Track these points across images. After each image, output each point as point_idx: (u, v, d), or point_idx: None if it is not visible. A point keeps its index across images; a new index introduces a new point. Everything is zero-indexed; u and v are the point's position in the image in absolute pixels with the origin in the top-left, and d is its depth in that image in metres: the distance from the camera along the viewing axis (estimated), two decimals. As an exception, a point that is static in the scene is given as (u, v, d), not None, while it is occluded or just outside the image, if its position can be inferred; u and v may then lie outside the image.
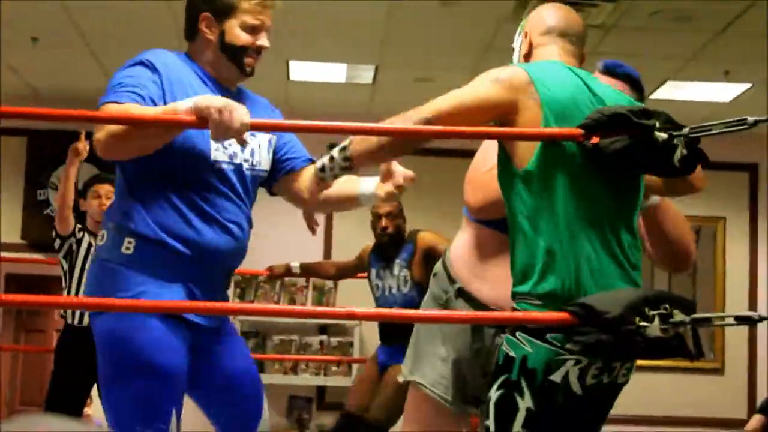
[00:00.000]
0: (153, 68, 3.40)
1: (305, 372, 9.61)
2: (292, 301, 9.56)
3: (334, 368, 9.62)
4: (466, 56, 8.24)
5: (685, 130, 2.93)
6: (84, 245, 6.35)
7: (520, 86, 2.99)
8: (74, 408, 6.25)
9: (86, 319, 6.12)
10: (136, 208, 3.35)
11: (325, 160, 3.32)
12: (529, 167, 2.93)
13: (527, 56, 3.30)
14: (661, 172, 3.05)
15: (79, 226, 6.42)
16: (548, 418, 2.84)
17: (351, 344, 9.63)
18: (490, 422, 2.86)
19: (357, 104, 9.53)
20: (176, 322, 3.32)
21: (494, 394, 2.87)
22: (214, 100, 3.06)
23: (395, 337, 6.27)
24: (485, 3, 7.11)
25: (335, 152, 3.26)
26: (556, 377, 2.81)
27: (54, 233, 6.37)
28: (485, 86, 3.07)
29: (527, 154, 2.94)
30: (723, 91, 8.95)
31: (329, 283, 9.65)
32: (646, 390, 9.56)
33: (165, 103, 3.28)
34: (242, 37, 3.52)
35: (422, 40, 7.96)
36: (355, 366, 9.42)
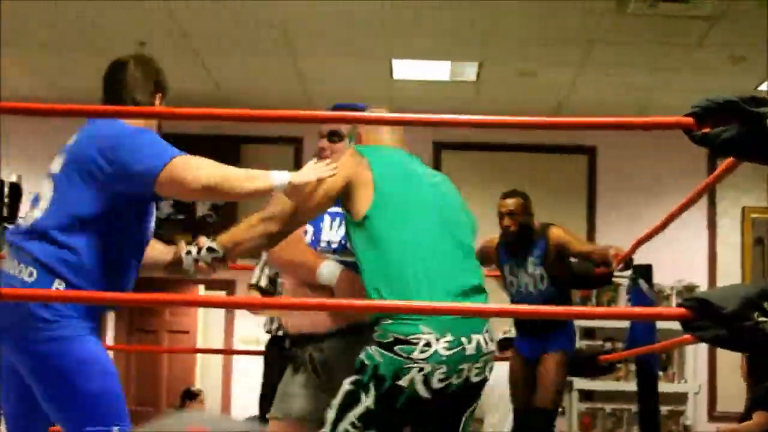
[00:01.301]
0: None
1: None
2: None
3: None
4: (570, 50, 8.17)
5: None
6: None
7: None
8: None
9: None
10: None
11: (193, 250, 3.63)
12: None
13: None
14: None
15: None
16: (382, 416, 3.31)
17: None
18: (334, 405, 3.36)
19: (461, 101, 9.50)
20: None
21: (346, 386, 3.35)
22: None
23: (535, 328, 6.31)
24: (589, -4, 7.06)
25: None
26: (403, 382, 3.27)
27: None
28: None
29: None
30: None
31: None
32: None
33: None
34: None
35: (525, 35, 7.91)
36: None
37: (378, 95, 9.43)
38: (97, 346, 3.57)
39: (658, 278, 6.55)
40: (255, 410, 7.30)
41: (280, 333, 6.25)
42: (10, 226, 8.64)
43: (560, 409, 7.06)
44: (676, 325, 3.07)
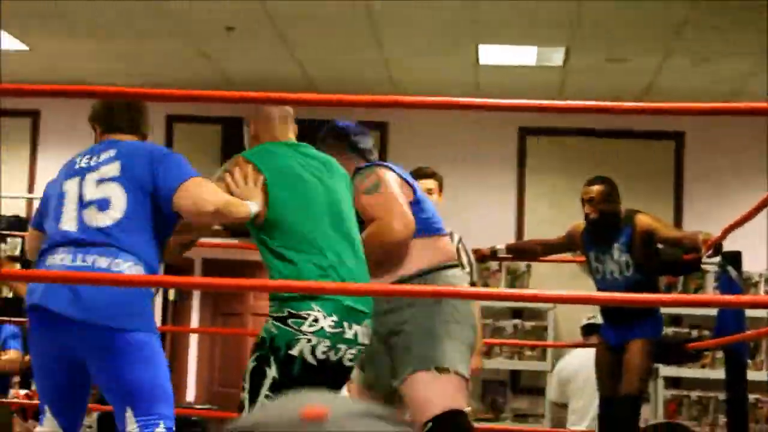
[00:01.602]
0: None
1: (499, 356, 9.60)
2: (486, 286, 9.54)
3: (528, 352, 9.59)
4: (659, 36, 8.08)
5: None
6: None
7: None
8: None
9: None
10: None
11: None
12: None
13: None
14: None
15: None
16: (287, 384, 3.81)
17: (545, 329, 9.58)
18: (245, 388, 3.87)
19: (547, 87, 9.45)
20: None
21: (250, 364, 3.89)
22: None
23: (621, 316, 6.28)
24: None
25: None
26: (295, 352, 3.85)
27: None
28: None
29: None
30: None
31: (522, 267, 9.62)
32: None
33: None
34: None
35: (614, 20, 7.84)
36: (549, 350, 9.37)
37: (463, 80, 9.43)
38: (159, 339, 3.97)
39: (746, 265, 6.48)
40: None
41: None
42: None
43: (645, 396, 7.02)
44: (763, 313, 3.06)
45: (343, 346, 3.94)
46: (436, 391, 4.22)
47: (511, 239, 9.57)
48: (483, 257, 6.90)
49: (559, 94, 9.60)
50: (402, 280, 4.29)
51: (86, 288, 3.73)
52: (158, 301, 9.99)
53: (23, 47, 9.06)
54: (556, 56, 8.79)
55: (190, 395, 11.34)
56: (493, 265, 9.48)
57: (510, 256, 7.02)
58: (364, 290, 3.86)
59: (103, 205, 3.89)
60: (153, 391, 3.85)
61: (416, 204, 4.40)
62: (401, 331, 4.30)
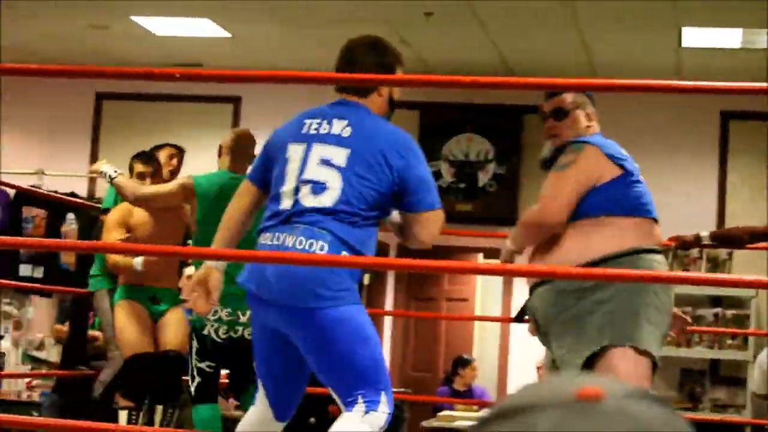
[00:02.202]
0: None
1: (698, 345, 9.40)
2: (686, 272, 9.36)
3: (729, 341, 9.36)
4: None
5: None
6: None
7: None
8: None
9: None
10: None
11: None
12: None
13: None
14: None
15: None
16: (204, 351, 5.61)
17: (747, 317, 9.33)
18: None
19: (753, 70, 9.18)
20: None
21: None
22: None
23: None
24: None
25: None
26: (205, 332, 5.58)
27: None
28: None
29: None
30: None
31: (723, 254, 9.40)
32: None
33: None
34: (398, 93, 4.34)
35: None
36: (751, 339, 9.13)
37: (664, 64, 9.25)
38: (364, 313, 3.93)
39: None
40: (530, 379, 7.35)
41: None
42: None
43: None
44: None
45: (240, 328, 5.53)
46: (628, 369, 4.13)
47: (712, 227, 9.35)
48: (685, 244, 6.74)
49: (765, 77, 9.32)
50: (603, 260, 4.19)
51: (283, 268, 3.75)
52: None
53: (226, 34, 9.27)
54: (761, 38, 8.54)
55: (385, 378, 11.45)
56: (694, 252, 9.28)
57: (713, 243, 6.84)
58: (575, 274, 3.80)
59: (317, 189, 3.87)
60: (362, 367, 3.82)
61: (621, 181, 4.25)
62: (600, 307, 4.19)
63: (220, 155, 5.86)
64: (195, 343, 5.62)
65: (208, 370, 5.67)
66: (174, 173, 6.71)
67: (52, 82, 10.48)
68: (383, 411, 3.81)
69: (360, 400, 3.79)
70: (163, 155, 6.76)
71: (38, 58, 9.96)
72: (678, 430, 0.82)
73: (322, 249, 3.80)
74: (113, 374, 6.31)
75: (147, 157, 6.63)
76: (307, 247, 3.79)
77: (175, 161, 6.76)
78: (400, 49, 8.98)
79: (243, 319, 5.49)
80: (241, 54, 9.66)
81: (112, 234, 6.17)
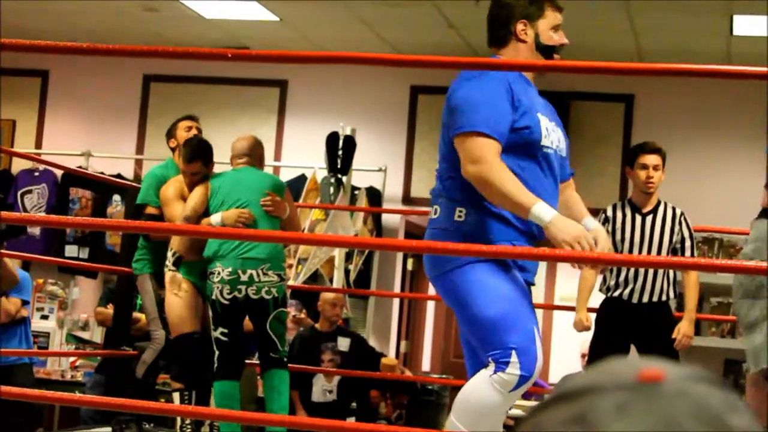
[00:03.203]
0: (507, 87, 3.84)
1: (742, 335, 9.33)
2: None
3: (775, 332, 9.28)
4: None
5: None
6: None
7: None
8: None
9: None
10: (467, 184, 3.79)
11: None
12: None
13: None
14: None
15: None
16: (217, 314, 5.91)
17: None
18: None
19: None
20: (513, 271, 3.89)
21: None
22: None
23: None
24: None
25: None
26: (213, 296, 5.92)
27: None
28: None
29: None
30: None
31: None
32: None
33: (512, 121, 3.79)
34: (554, 38, 4.09)
35: None
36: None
37: (715, 50, 9.16)
38: (493, 271, 3.78)
39: None
40: (573, 369, 7.29)
41: (617, 293, 6.21)
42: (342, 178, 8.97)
43: None
44: None
45: (242, 287, 5.87)
46: None
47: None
48: None
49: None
50: None
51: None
52: (398, 269, 10.12)
53: (274, 18, 9.27)
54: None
55: (426, 365, 11.47)
56: (741, 241, 9.20)
57: None
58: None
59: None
60: (486, 328, 3.76)
61: None
62: None
63: (232, 162, 6.37)
64: (210, 312, 6.00)
65: (223, 338, 5.91)
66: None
67: (100, 65, 10.54)
68: (512, 372, 3.69)
69: (490, 360, 3.73)
70: (181, 127, 6.72)
71: (87, 38, 10.01)
72: (738, 413, 0.81)
73: (435, 213, 3.89)
74: (155, 354, 6.33)
75: (167, 135, 6.74)
76: (432, 215, 3.92)
77: (194, 131, 6.68)
78: (446, 32, 9.03)
79: (244, 277, 5.86)
80: (288, 37, 9.66)
81: (174, 205, 6.21)
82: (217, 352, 5.93)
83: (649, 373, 0.80)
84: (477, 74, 3.83)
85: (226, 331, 5.91)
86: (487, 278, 3.75)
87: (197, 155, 6.21)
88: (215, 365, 5.92)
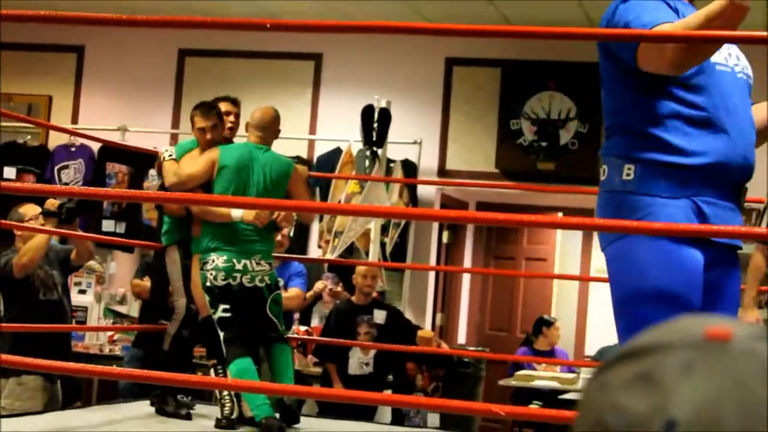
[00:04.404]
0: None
1: (782, 308, 9.28)
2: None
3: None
4: None
5: None
6: None
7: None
8: None
9: None
10: (632, 137, 3.33)
11: None
12: None
13: None
14: None
15: None
16: (213, 296, 6.00)
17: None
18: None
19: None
20: (689, 243, 3.24)
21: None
22: None
23: None
24: None
25: None
26: (208, 282, 5.99)
27: None
28: None
29: None
30: None
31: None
32: None
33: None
34: None
35: None
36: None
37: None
38: (658, 243, 3.24)
39: None
40: (609, 341, 7.25)
41: None
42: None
43: None
44: None
45: (237, 274, 6.00)
46: None
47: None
48: None
49: None
50: None
51: None
52: (433, 242, 10.10)
53: (307, -10, 9.25)
54: None
55: (462, 337, 11.47)
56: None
57: None
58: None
59: None
60: (632, 300, 3.26)
61: None
62: None
63: (247, 129, 6.35)
64: (205, 296, 6.06)
65: (226, 315, 5.97)
66: (233, 129, 6.56)
67: (135, 40, 10.56)
68: None
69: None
70: (222, 108, 6.52)
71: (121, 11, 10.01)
72: None
73: (604, 173, 3.40)
74: (177, 325, 6.36)
75: (208, 108, 6.36)
76: (601, 176, 3.43)
77: (232, 117, 6.55)
78: (482, 5, 8.98)
79: (238, 266, 6.03)
80: (319, 11, 9.63)
81: (182, 162, 6.24)
82: (221, 334, 5.95)
83: (716, 331, 0.79)
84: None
85: (227, 306, 6.00)
86: (635, 253, 3.29)
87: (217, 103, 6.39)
88: (223, 349, 5.95)
